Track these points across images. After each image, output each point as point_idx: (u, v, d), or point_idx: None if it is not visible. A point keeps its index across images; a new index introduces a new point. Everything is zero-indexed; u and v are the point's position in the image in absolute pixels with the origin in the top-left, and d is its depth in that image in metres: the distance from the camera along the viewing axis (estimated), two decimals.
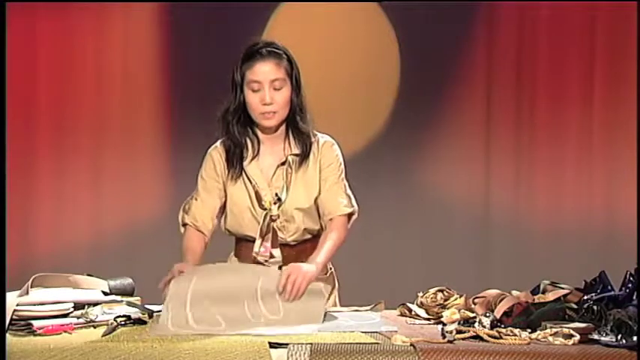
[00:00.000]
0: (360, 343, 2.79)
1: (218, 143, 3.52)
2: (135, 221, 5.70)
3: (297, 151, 3.45)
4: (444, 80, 5.83)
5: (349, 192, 3.50)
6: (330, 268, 3.58)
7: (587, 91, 5.80)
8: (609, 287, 3.13)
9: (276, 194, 3.42)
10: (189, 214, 3.48)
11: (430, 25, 5.76)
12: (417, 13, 5.73)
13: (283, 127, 3.47)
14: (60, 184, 5.76)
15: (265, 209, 3.41)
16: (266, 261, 3.42)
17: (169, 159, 5.81)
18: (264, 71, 3.39)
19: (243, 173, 3.44)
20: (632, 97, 5.53)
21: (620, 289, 3.11)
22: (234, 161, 3.45)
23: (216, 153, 3.50)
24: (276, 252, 3.43)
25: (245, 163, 3.44)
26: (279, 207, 3.42)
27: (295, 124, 3.45)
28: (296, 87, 3.44)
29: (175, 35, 5.79)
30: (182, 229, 3.53)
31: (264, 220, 3.41)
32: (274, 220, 3.42)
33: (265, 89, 3.38)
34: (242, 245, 3.51)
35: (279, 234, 3.43)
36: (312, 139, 3.47)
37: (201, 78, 5.72)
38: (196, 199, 3.48)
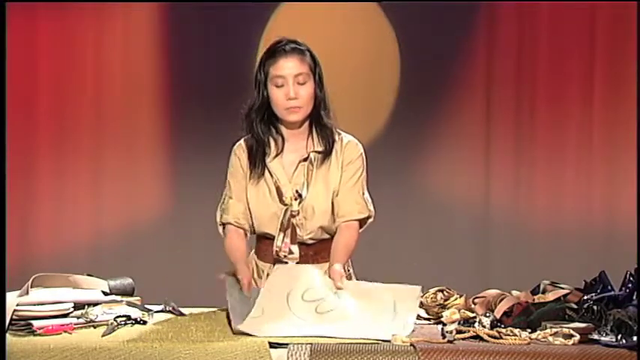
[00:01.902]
0: (360, 343, 2.79)
1: (242, 140, 3.53)
2: (135, 221, 5.70)
3: (319, 148, 3.46)
4: (443, 80, 5.83)
5: (367, 195, 3.50)
6: (349, 270, 3.57)
7: (587, 91, 5.80)
8: (609, 287, 3.13)
9: (297, 191, 3.43)
10: (229, 214, 3.47)
11: (430, 25, 5.76)
12: (417, 13, 5.72)
13: (307, 124, 3.48)
14: (60, 184, 5.76)
15: (286, 205, 3.42)
16: (285, 256, 3.43)
17: (169, 159, 5.81)
18: (288, 66, 3.40)
19: (266, 170, 3.45)
20: (632, 97, 5.53)
21: (620, 289, 3.11)
22: (257, 159, 3.45)
23: (240, 150, 3.51)
24: (295, 248, 3.43)
25: (268, 160, 3.45)
26: (299, 203, 3.42)
27: (319, 120, 3.47)
28: (319, 83, 3.46)
29: (175, 35, 5.79)
30: (220, 229, 3.53)
31: (284, 215, 3.41)
32: (294, 216, 3.42)
33: (289, 84, 3.39)
34: (261, 243, 3.52)
35: (297, 231, 3.43)
36: (336, 137, 3.48)
37: (201, 78, 5.73)
38: (231, 198, 3.49)
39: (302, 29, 5.33)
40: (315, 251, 3.47)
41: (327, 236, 3.48)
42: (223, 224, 3.50)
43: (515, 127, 5.82)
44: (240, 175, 3.48)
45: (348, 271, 3.55)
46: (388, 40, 5.79)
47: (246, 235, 3.49)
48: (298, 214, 3.42)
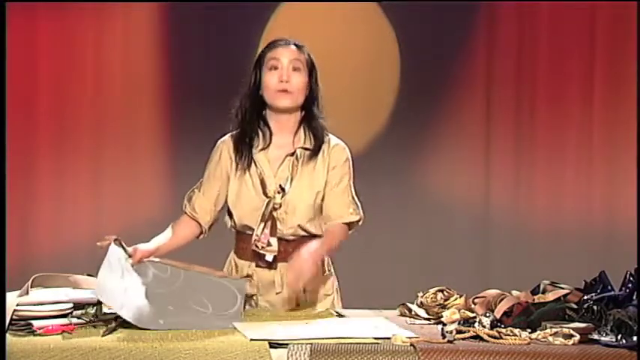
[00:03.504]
0: (360, 343, 2.79)
1: (227, 136, 3.55)
2: (135, 221, 5.69)
3: (307, 145, 3.48)
4: (444, 80, 5.83)
5: (355, 198, 3.51)
6: (329, 270, 3.58)
7: (587, 91, 5.80)
8: (609, 287, 3.13)
9: (280, 185, 3.44)
10: (190, 204, 3.53)
11: (430, 25, 5.76)
12: (417, 13, 5.73)
13: (297, 121, 3.50)
14: (60, 184, 5.76)
15: (269, 197, 3.43)
16: (263, 247, 3.43)
17: (169, 159, 5.81)
18: (284, 52, 3.46)
19: (252, 161, 3.47)
20: (632, 97, 5.53)
21: (620, 289, 3.11)
22: (244, 150, 3.48)
23: (224, 145, 3.54)
24: (274, 241, 3.44)
25: (254, 151, 3.47)
26: (282, 197, 3.43)
27: (310, 119, 3.49)
28: (314, 82, 3.50)
29: (175, 35, 5.79)
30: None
31: (266, 207, 3.42)
32: (276, 209, 3.43)
33: (284, 67, 3.44)
34: (241, 240, 3.52)
35: (278, 225, 3.44)
36: (325, 138, 3.50)
37: (201, 78, 5.73)
38: (199, 190, 3.53)
39: (302, 29, 5.35)
40: (294, 248, 3.45)
41: (306, 234, 3.48)
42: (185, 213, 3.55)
43: (515, 127, 5.83)
44: (218, 173, 3.51)
45: (329, 271, 3.57)
46: (388, 40, 5.79)
47: (202, 231, 3.52)
48: (280, 207, 3.44)
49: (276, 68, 3.45)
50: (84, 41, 5.75)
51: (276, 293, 3.45)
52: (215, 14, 5.72)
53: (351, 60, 5.74)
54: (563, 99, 5.82)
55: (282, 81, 3.43)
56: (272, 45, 3.51)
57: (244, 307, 3.27)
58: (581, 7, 5.74)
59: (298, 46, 3.50)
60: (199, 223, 3.51)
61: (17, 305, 2.93)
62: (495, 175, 5.84)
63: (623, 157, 5.68)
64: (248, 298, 3.42)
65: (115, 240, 3.18)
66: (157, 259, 3.26)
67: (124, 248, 3.20)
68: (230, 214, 3.52)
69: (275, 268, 3.46)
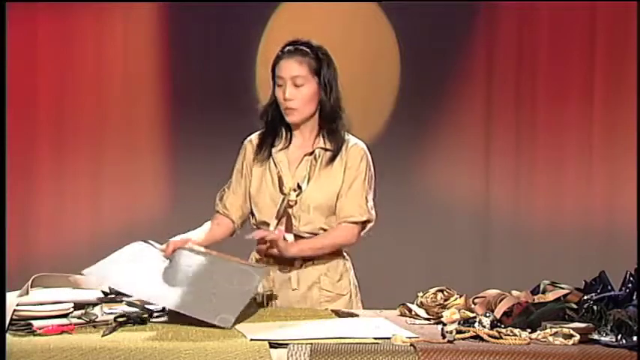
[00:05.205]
0: (360, 343, 2.79)
1: (254, 135, 3.61)
2: (135, 221, 5.70)
3: (327, 146, 3.52)
4: (444, 80, 5.83)
5: (370, 199, 3.53)
6: (344, 264, 3.60)
7: (587, 91, 5.80)
8: (609, 287, 3.13)
9: (297, 183, 3.48)
10: (222, 203, 3.59)
11: (430, 25, 5.76)
12: (417, 13, 5.73)
13: (315, 124, 3.54)
14: (60, 184, 5.76)
15: (284, 194, 3.47)
16: None
17: (169, 159, 5.81)
18: (285, 68, 3.48)
19: (271, 159, 3.52)
20: (632, 97, 5.53)
21: (620, 289, 3.11)
22: (264, 149, 3.54)
23: (249, 144, 3.60)
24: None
25: (274, 150, 3.53)
26: (297, 195, 3.46)
27: (327, 122, 3.52)
28: (326, 85, 3.51)
29: (175, 35, 5.79)
30: None
31: (281, 204, 3.47)
32: (291, 207, 3.47)
33: (286, 85, 3.47)
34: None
35: (294, 222, 3.47)
36: (344, 138, 3.53)
37: (201, 78, 5.74)
38: (228, 188, 3.60)
39: (302, 29, 5.32)
40: None
41: (322, 232, 3.50)
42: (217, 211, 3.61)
43: (515, 127, 5.82)
44: (245, 171, 3.58)
45: (344, 265, 3.59)
46: (388, 40, 5.79)
47: (234, 228, 3.58)
48: (295, 204, 3.47)
49: (280, 85, 3.49)
50: (84, 41, 5.76)
51: (292, 290, 3.47)
52: (215, 14, 5.73)
53: (351, 60, 5.73)
54: (563, 99, 5.81)
55: (285, 99, 3.47)
56: (279, 55, 3.52)
57: (266, 303, 3.36)
58: (581, 7, 5.74)
59: (302, 54, 3.49)
60: (232, 220, 3.57)
61: (17, 305, 2.92)
62: (495, 175, 5.84)
63: (623, 157, 5.68)
64: (267, 295, 3.44)
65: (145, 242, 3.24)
66: (187, 247, 3.30)
67: (153, 247, 3.25)
68: (252, 211, 3.57)
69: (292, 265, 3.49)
